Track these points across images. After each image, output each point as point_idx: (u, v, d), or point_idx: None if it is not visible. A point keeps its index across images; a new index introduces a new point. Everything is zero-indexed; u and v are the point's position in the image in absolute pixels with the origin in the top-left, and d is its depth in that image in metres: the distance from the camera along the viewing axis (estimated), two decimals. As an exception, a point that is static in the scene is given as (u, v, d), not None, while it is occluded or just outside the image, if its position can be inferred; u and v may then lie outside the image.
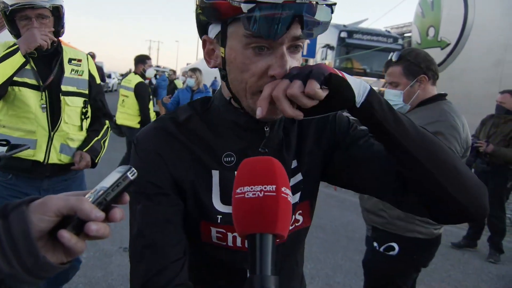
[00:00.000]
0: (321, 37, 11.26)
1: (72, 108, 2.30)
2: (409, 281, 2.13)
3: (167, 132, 0.90)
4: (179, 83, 10.62)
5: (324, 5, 0.77)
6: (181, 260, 0.85)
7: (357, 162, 0.94)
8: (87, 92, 2.38)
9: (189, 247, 0.90)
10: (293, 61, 0.81)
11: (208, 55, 0.89)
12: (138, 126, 5.34)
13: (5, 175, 2.22)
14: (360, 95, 0.76)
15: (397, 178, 0.88)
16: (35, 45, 2.03)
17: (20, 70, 2.03)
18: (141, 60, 5.67)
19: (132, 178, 0.58)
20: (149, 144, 0.89)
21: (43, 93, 2.18)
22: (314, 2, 0.75)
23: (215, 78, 15.22)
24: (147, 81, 5.63)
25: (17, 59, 2.00)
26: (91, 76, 2.42)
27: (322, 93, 0.72)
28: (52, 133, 2.23)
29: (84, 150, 2.36)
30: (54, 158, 2.25)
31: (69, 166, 2.33)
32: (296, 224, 0.97)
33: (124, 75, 11.76)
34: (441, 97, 2.03)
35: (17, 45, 2.00)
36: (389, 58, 2.09)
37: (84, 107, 2.37)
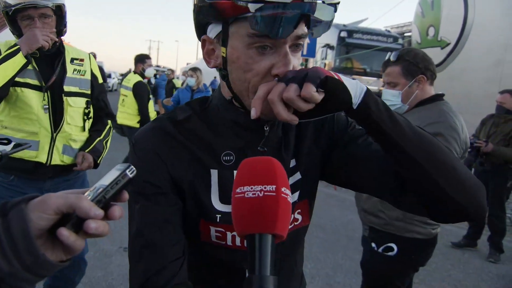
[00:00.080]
0: (321, 37, 11.17)
1: (75, 109, 2.28)
2: (407, 281, 2.14)
3: (165, 131, 0.90)
4: (177, 82, 10.60)
5: (329, 4, 0.77)
6: (180, 260, 0.85)
7: (355, 160, 0.94)
8: (89, 92, 2.37)
9: (188, 246, 0.90)
10: (295, 60, 0.81)
11: (208, 55, 0.89)
12: (137, 125, 5.34)
13: (7, 176, 2.21)
14: (356, 96, 0.76)
15: (396, 178, 0.88)
16: (37, 46, 2.01)
17: (21, 71, 2.01)
18: (141, 60, 5.67)
19: (131, 176, 0.58)
20: (147, 143, 0.89)
21: (45, 93, 2.16)
22: (321, 1, 0.75)
23: (215, 77, 15.23)
24: (145, 80, 5.62)
25: (19, 60, 1.98)
26: (93, 75, 2.40)
27: (318, 96, 0.73)
28: (54, 134, 2.21)
29: (87, 150, 2.35)
30: (56, 159, 2.23)
31: (72, 167, 2.32)
32: (295, 223, 0.97)
33: (124, 75, 11.74)
34: (439, 97, 2.02)
35: (18, 46, 1.98)
36: (386, 58, 2.08)
37: (87, 107, 2.36)
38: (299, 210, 0.98)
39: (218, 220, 0.90)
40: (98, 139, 2.43)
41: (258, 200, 0.61)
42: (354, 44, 12.16)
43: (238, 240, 0.92)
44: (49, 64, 2.20)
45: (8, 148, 1.76)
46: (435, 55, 9.13)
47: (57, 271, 1.90)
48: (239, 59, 0.80)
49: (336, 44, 12.16)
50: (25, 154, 2.14)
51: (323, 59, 12.68)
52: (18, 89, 2.09)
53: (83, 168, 2.32)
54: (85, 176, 2.49)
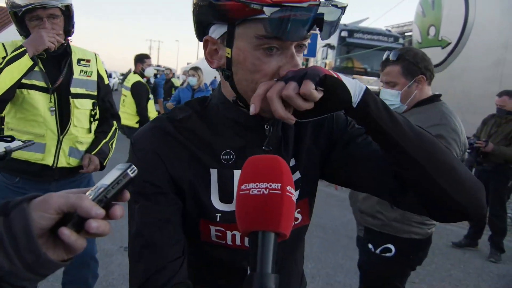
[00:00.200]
0: (322, 37, 11.24)
1: (82, 110, 2.27)
2: (405, 280, 2.14)
3: (165, 131, 0.90)
4: (176, 82, 10.57)
5: (341, 6, 0.78)
6: (180, 259, 0.86)
7: (355, 160, 0.94)
8: (95, 93, 2.35)
9: (188, 246, 0.91)
10: (299, 59, 0.82)
11: (211, 55, 0.88)
12: (137, 125, 5.33)
13: (13, 178, 2.19)
14: (356, 95, 0.76)
15: (395, 177, 0.88)
16: (43, 48, 1.99)
17: (28, 73, 1.99)
18: (140, 60, 5.68)
19: (132, 175, 0.58)
20: (146, 143, 0.89)
21: (52, 95, 2.14)
22: (335, 5, 0.76)
23: (215, 77, 15.23)
24: (145, 80, 5.62)
25: (25, 62, 1.95)
26: (99, 76, 2.39)
27: (317, 94, 0.73)
28: (61, 137, 2.19)
29: (93, 153, 2.33)
30: (63, 162, 2.22)
31: (78, 169, 2.31)
32: (295, 223, 0.97)
33: (124, 75, 11.73)
34: (436, 98, 2.02)
35: (24, 47, 1.96)
36: (385, 57, 2.05)
37: (93, 109, 2.34)
38: (299, 209, 0.98)
39: (218, 219, 0.90)
40: (104, 141, 2.42)
41: (263, 198, 0.61)
42: (355, 44, 12.16)
43: (238, 239, 0.92)
44: (56, 65, 2.18)
45: (12, 145, 1.75)
46: (436, 54, 9.12)
47: (69, 275, 1.89)
48: (246, 60, 0.81)
49: (336, 43, 12.16)
50: (31, 157, 2.13)
51: (324, 58, 12.68)
52: (24, 91, 2.07)
53: (90, 170, 2.31)
54: (90, 177, 2.47)
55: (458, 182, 0.81)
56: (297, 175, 0.97)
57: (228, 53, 0.83)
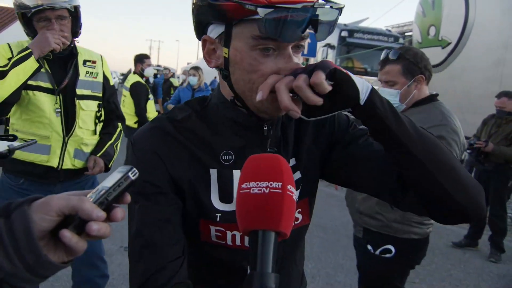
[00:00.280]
0: (322, 36, 11.23)
1: (87, 112, 2.26)
2: (405, 280, 2.14)
3: (164, 131, 0.90)
4: (175, 82, 10.56)
5: (334, 8, 0.78)
6: (180, 259, 0.86)
7: (355, 160, 0.94)
8: (101, 95, 2.35)
9: (188, 246, 0.91)
10: (297, 60, 0.82)
11: (209, 55, 0.89)
12: (135, 126, 5.33)
13: (17, 179, 2.19)
14: (363, 93, 0.76)
15: (396, 178, 0.88)
16: (49, 49, 1.98)
17: (33, 75, 1.99)
18: (139, 60, 5.68)
19: (133, 178, 0.58)
20: (145, 144, 0.89)
21: (58, 97, 2.13)
22: (329, 6, 0.76)
23: (215, 77, 15.22)
24: (144, 80, 5.62)
25: (30, 65, 1.95)
26: (105, 78, 2.38)
27: (327, 85, 0.72)
28: (66, 138, 2.19)
29: (98, 155, 2.32)
30: (68, 164, 2.21)
31: (83, 171, 2.30)
32: (296, 222, 0.97)
33: (124, 75, 11.71)
34: (434, 97, 2.01)
35: (30, 49, 1.95)
36: (384, 56, 2.03)
37: (98, 110, 2.34)
38: (300, 209, 0.98)
39: (218, 219, 0.90)
40: (109, 142, 2.41)
41: (264, 196, 0.61)
42: (355, 44, 12.15)
43: (238, 239, 0.92)
44: (62, 66, 2.17)
45: (15, 143, 1.75)
46: (436, 54, 9.11)
47: (78, 277, 1.88)
48: (243, 60, 0.81)
49: (337, 43, 12.14)
50: (37, 158, 2.13)
51: (324, 58, 12.66)
52: (30, 92, 2.07)
53: (95, 172, 2.30)
54: (95, 179, 2.47)
55: (459, 183, 0.82)
56: (298, 174, 0.97)
57: (226, 53, 0.83)
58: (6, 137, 1.79)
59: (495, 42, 7.97)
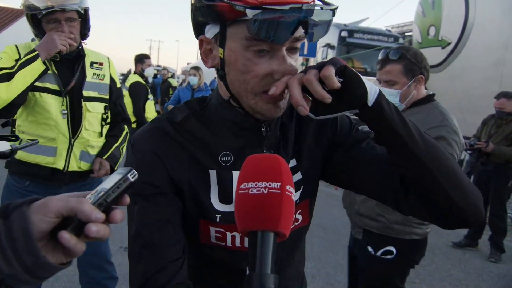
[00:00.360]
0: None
1: (93, 114, 2.26)
2: (405, 279, 2.14)
3: (164, 132, 0.89)
4: (173, 82, 10.52)
5: (327, 9, 0.77)
6: (180, 260, 0.85)
7: (358, 164, 0.94)
8: (107, 97, 2.35)
9: (188, 247, 0.90)
10: (292, 62, 0.82)
11: (205, 55, 0.89)
12: (134, 126, 5.32)
13: (22, 181, 2.18)
14: (371, 94, 0.76)
15: (398, 182, 0.88)
16: (56, 51, 1.99)
17: (40, 77, 1.99)
18: (140, 60, 5.68)
19: (132, 179, 0.58)
20: (145, 144, 0.89)
21: (64, 98, 2.13)
22: (319, 8, 0.75)
23: (215, 77, 15.22)
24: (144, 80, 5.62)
25: (37, 67, 1.95)
26: (112, 80, 2.38)
27: (337, 81, 0.72)
28: (72, 140, 2.18)
29: (104, 157, 2.32)
30: (74, 166, 2.21)
31: (88, 173, 2.29)
32: (296, 223, 0.97)
33: (125, 75, 11.69)
34: (432, 97, 2.01)
35: (37, 51, 1.95)
36: (383, 55, 2.01)
37: (105, 112, 2.33)
38: (300, 210, 0.98)
39: (218, 220, 0.90)
40: (116, 145, 2.40)
41: (262, 197, 0.61)
42: (355, 44, 12.14)
43: (238, 240, 0.92)
44: (69, 68, 2.17)
45: (17, 143, 1.76)
46: (436, 54, 9.11)
47: (86, 280, 1.88)
48: (237, 61, 0.81)
49: (336, 43, 12.13)
50: (43, 160, 2.13)
51: (324, 59, 12.66)
52: (36, 93, 2.07)
53: (100, 175, 2.30)
54: (100, 180, 2.45)
55: (460, 187, 0.82)
56: (298, 175, 0.97)
57: (221, 53, 0.83)
58: (8, 137, 1.80)
59: (495, 42, 7.96)
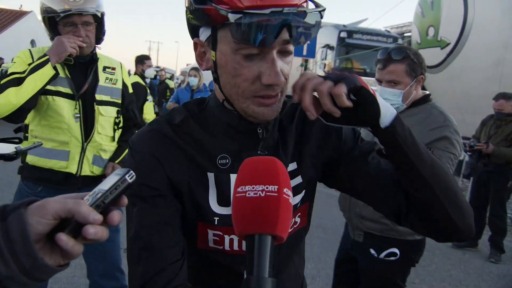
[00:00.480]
0: (321, 37, 11.23)
1: (106, 118, 2.26)
2: (406, 278, 2.15)
3: (163, 134, 0.89)
4: (170, 83, 10.48)
5: (313, 12, 0.76)
6: (179, 262, 0.85)
7: (364, 177, 0.94)
8: (120, 101, 2.35)
9: (187, 248, 0.90)
10: (284, 65, 0.81)
11: (200, 57, 0.89)
12: None
13: (35, 187, 2.17)
14: (386, 116, 0.76)
15: (401, 197, 0.90)
16: (66, 54, 1.99)
17: (50, 82, 1.99)
18: (140, 61, 5.68)
19: (130, 181, 0.58)
20: (144, 146, 0.88)
21: (77, 102, 2.13)
22: (303, 10, 0.75)
23: (215, 78, 15.19)
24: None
25: (47, 72, 1.95)
26: (124, 85, 2.38)
27: (346, 100, 0.72)
28: (85, 144, 2.18)
29: (116, 162, 2.31)
30: (86, 170, 2.20)
31: (101, 178, 2.28)
32: (294, 226, 0.97)
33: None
34: (428, 97, 2.01)
35: (47, 56, 1.96)
36: (385, 55, 1.98)
37: (117, 117, 2.33)
38: (299, 213, 0.98)
39: (216, 223, 0.90)
40: (127, 150, 2.39)
41: (259, 200, 0.61)
42: (354, 45, 12.15)
43: (236, 244, 0.91)
44: (83, 71, 2.18)
45: (22, 145, 1.76)
46: (435, 55, 9.11)
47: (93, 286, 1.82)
48: (227, 64, 0.81)
49: (336, 44, 12.14)
50: (56, 165, 2.12)
51: (323, 59, 12.67)
52: (49, 97, 2.06)
53: None
54: None
55: (458, 206, 0.85)
56: (299, 179, 0.96)
57: (213, 56, 0.83)
58: (12, 139, 1.80)
59: (494, 42, 7.96)
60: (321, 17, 0.79)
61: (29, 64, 1.98)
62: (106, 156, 2.29)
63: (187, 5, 0.84)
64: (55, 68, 1.98)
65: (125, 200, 0.59)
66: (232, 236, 0.90)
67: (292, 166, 0.96)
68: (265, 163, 0.66)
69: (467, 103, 8.06)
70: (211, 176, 0.89)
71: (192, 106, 0.95)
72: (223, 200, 0.90)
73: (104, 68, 2.27)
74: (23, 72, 1.91)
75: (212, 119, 0.92)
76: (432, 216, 0.86)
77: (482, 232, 4.82)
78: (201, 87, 6.14)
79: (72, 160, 2.15)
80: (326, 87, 0.73)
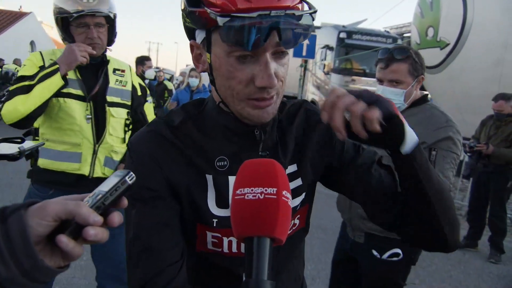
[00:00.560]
0: (320, 38, 11.23)
1: (117, 119, 2.26)
2: (407, 277, 2.15)
3: (161, 135, 0.89)
4: (169, 85, 10.45)
5: (303, 14, 0.76)
6: (179, 263, 0.85)
7: (365, 187, 0.95)
8: (130, 103, 2.35)
9: (186, 250, 0.90)
10: (279, 67, 0.81)
11: (196, 59, 0.89)
12: None
13: (46, 190, 2.16)
14: (408, 145, 0.77)
15: (399, 210, 0.92)
16: (76, 64, 1.99)
17: (58, 91, 1.99)
18: (140, 62, 5.70)
19: (130, 182, 0.58)
20: (142, 147, 0.88)
21: (89, 104, 2.13)
22: (291, 13, 0.74)
23: (215, 79, 15.18)
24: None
25: (56, 82, 1.95)
26: (133, 87, 2.39)
27: (378, 126, 0.72)
28: (97, 146, 2.18)
29: None
30: (98, 172, 2.20)
31: None
32: (293, 228, 0.97)
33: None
34: (426, 98, 2.02)
35: (57, 65, 1.95)
36: (386, 54, 1.97)
37: (127, 118, 2.33)
38: (299, 216, 0.98)
39: (214, 225, 0.89)
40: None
41: (258, 203, 0.61)
42: (354, 45, 12.15)
43: (234, 246, 0.91)
44: (94, 73, 2.18)
45: (25, 145, 1.75)
46: (435, 55, 9.13)
47: None
48: (221, 66, 0.81)
49: (335, 45, 12.15)
50: (68, 167, 2.12)
51: (323, 60, 12.68)
52: (61, 99, 2.06)
53: None
54: None
55: (451, 224, 0.88)
56: (299, 181, 0.96)
57: (208, 59, 0.84)
58: (15, 139, 1.79)
59: (494, 42, 7.97)
60: (313, 19, 0.78)
61: (40, 67, 1.98)
62: (117, 157, 2.29)
63: (182, 8, 0.85)
64: (64, 78, 1.98)
65: (125, 201, 0.60)
66: (230, 238, 0.90)
67: (292, 168, 0.96)
68: (264, 166, 0.66)
69: (466, 103, 8.08)
70: (209, 178, 0.89)
71: (190, 108, 0.95)
72: (221, 202, 0.90)
73: (114, 70, 2.28)
74: (33, 78, 1.92)
75: (210, 121, 0.92)
76: (426, 230, 0.89)
77: (482, 233, 4.82)
78: (200, 87, 6.15)
79: (84, 162, 2.14)
80: (360, 109, 0.71)
